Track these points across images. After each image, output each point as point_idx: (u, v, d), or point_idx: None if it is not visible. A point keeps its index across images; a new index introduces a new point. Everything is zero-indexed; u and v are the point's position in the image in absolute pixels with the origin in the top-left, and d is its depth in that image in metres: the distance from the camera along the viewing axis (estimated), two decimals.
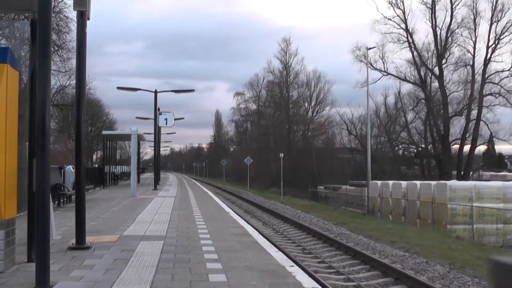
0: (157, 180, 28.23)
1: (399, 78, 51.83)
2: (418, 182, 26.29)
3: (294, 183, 51.45)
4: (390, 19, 48.91)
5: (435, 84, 50.22)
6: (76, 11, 7.31)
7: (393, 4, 48.63)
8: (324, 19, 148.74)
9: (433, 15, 48.30)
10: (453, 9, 47.66)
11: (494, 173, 57.09)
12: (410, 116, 53.97)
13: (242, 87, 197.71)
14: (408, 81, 51.80)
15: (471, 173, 49.11)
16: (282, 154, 42.18)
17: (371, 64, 47.70)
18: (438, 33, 48.36)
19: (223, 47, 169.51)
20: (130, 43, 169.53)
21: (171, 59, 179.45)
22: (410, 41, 48.97)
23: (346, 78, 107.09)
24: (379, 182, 29.74)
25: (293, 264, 6.48)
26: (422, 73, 49.72)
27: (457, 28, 47.94)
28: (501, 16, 46.34)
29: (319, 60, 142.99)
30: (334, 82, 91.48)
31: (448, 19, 47.90)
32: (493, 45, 46.95)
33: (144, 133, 36.13)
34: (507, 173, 56.75)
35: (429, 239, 16.61)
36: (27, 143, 6.08)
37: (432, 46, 48.92)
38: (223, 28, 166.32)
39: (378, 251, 13.14)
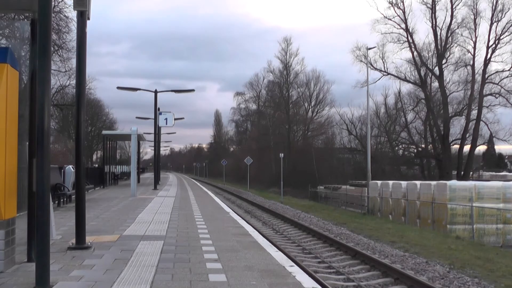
0: (157, 180, 28.23)
1: (399, 78, 51.90)
2: (418, 182, 26.27)
3: (294, 183, 51.44)
4: (390, 19, 48.97)
5: (435, 84, 50.29)
6: (76, 11, 7.32)
7: (393, 4, 48.67)
8: (322, 19, 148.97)
9: (433, 15, 48.34)
10: (453, 9, 47.74)
11: (494, 173, 57.13)
12: (410, 116, 54.09)
13: (233, 87, 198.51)
14: (408, 81, 51.84)
15: (471, 173, 49.11)
16: (282, 154, 42.21)
17: (371, 64, 47.77)
18: (438, 33, 48.41)
19: (210, 48, 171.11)
20: (117, 43, 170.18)
21: (159, 60, 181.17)
22: (410, 41, 49.01)
23: (343, 78, 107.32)
24: (379, 182, 29.72)
25: (293, 264, 6.48)
26: (422, 73, 49.72)
27: (457, 28, 48.01)
28: (501, 16, 46.42)
29: (316, 60, 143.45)
30: (333, 82, 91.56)
31: (448, 19, 47.99)
32: (493, 45, 47.01)
33: (144, 133, 36.18)
34: (507, 173, 56.77)
35: (429, 239, 16.60)
36: (27, 143, 6.08)
37: (432, 46, 49.00)
38: (210, 29, 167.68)
39: (378, 251, 13.14)
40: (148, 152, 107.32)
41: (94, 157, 62.56)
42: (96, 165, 42.47)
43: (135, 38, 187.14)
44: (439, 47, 48.18)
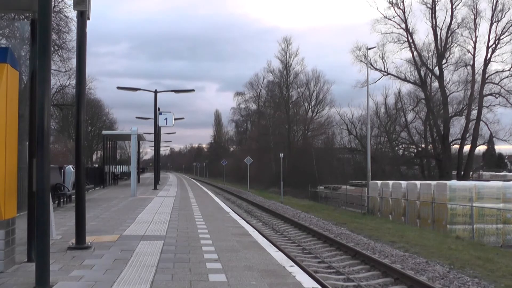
0: (157, 180, 28.23)
1: (399, 78, 51.93)
2: (418, 182, 26.27)
3: (294, 183, 51.44)
4: (390, 19, 49.03)
5: (435, 84, 50.31)
6: (76, 11, 7.32)
7: (393, 4, 48.72)
8: (322, 19, 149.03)
9: (433, 15, 48.37)
10: (453, 9, 47.78)
11: (494, 173, 57.12)
12: (410, 116, 54.13)
13: (233, 87, 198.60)
14: (408, 81, 51.86)
15: (471, 173, 49.11)
16: (282, 154, 42.21)
17: (371, 64, 47.81)
18: (438, 33, 48.44)
19: (210, 48, 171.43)
20: (117, 43, 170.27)
21: (158, 60, 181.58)
22: (410, 41, 49.05)
23: (343, 78, 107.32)
24: (379, 182, 29.72)
25: (293, 264, 6.48)
26: (422, 73, 49.74)
27: (457, 28, 48.05)
28: (501, 16, 46.46)
29: (316, 60, 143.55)
30: (333, 82, 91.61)
31: (448, 19, 48.03)
32: (493, 45, 47.05)
33: (144, 133, 36.18)
34: (507, 173, 56.77)
35: (429, 239, 16.60)
36: (27, 143, 6.08)
37: (432, 46, 49.03)
38: (210, 29, 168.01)
39: (378, 251, 13.14)
40: (148, 152, 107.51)
41: (94, 157, 62.59)
42: (96, 165, 42.45)
43: (135, 38, 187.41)
44: (439, 47, 48.19)
